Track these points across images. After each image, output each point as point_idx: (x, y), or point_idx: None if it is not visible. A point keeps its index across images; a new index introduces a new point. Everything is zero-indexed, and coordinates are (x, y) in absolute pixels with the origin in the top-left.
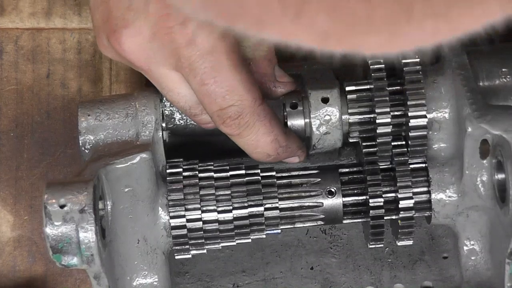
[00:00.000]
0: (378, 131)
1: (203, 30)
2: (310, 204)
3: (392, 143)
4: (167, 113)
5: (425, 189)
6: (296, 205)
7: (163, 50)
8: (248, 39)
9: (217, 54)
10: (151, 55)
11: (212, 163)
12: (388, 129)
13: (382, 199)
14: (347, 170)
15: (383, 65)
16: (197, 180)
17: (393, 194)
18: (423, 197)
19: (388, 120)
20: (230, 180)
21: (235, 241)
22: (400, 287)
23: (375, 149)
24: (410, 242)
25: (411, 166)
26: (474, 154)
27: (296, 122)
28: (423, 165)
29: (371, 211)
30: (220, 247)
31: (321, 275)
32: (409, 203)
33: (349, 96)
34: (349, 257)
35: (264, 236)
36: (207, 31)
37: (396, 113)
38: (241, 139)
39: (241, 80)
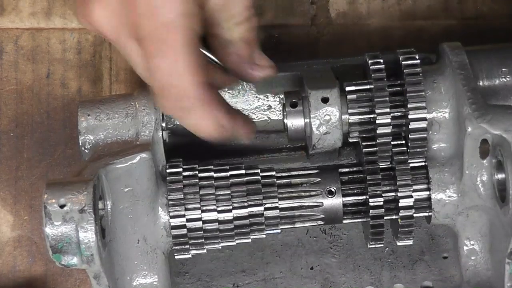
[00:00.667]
0: (378, 131)
1: (168, 3)
2: (310, 204)
3: (392, 143)
4: None
5: (424, 186)
6: (296, 205)
7: (128, 20)
8: (228, 20)
9: (173, 30)
10: (118, 26)
11: (212, 163)
12: (388, 130)
13: (382, 199)
14: (347, 170)
15: (383, 66)
16: (197, 180)
17: (393, 194)
18: (423, 195)
19: (388, 120)
20: (230, 180)
21: (235, 241)
22: (400, 287)
23: (375, 149)
24: (410, 242)
25: (411, 165)
26: (474, 154)
27: (296, 122)
28: (423, 163)
29: (371, 211)
30: (220, 247)
31: (321, 275)
32: (409, 201)
33: (349, 96)
34: (349, 257)
35: (264, 236)
36: (172, 5)
37: (396, 113)
38: (183, 121)
39: (188, 61)
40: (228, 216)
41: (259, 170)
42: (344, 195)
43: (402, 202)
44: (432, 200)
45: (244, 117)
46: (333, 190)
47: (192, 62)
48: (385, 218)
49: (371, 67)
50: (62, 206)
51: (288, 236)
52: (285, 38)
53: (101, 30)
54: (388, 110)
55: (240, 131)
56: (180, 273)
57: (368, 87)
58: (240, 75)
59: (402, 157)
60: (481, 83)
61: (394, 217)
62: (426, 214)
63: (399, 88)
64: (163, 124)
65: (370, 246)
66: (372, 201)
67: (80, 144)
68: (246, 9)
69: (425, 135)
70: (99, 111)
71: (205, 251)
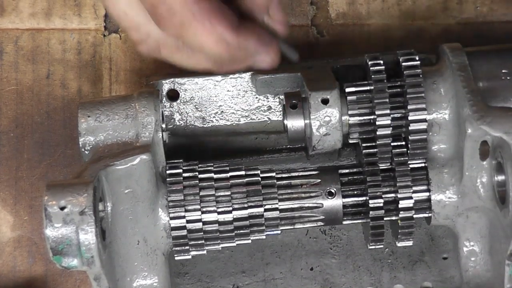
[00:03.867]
0: (378, 132)
1: None
2: (310, 205)
3: (392, 144)
4: (167, 114)
5: (424, 187)
6: (296, 206)
7: None
8: None
9: None
10: None
11: (212, 163)
12: (388, 131)
13: (382, 200)
14: (347, 171)
15: (383, 67)
16: (197, 181)
17: (393, 195)
18: (423, 196)
19: (388, 121)
20: (230, 181)
21: (235, 242)
22: None
23: (375, 150)
24: (410, 243)
25: (411, 166)
26: (474, 156)
27: (296, 123)
28: (423, 164)
29: (371, 212)
30: (220, 248)
31: (321, 276)
32: (409, 203)
33: (349, 98)
34: (349, 258)
35: (264, 237)
36: None
37: (396, 115)
38: (183, 39)
39: None
40: (228, 217)
41: (259, 171)
42: (344, 196)
43: (402, 203)
44: (432, 201)
45: (260, 34)
46: (333, 191)
47: None
48: (385, 219)
49: (371, 68)
50: (62, 208)
51: (288, 236)
52: None
53: None
54: (388, 111)
55: (253, 47)
56: (180, 274)
57: (368, 88)
58: (249, 23)
59: (402, 158)
60: (481, 85)
61: (394, 218)
62: (426, 215)
63: (399, 89)
64: (163, 125)
65: (370, 247)
66: (372, 202)
67: (80, 145)
68: None
69: (425, 136)
70: (99, 112)
71: (205, 252)
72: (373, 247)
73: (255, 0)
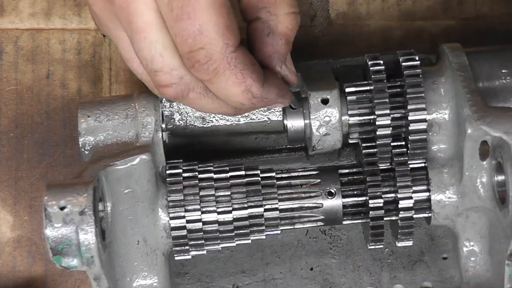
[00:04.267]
0: (378, 132)
1: None
2: (310, 205)
3: (392, 144)
4: (167, 114)
5: (424, 187)
6: (295, 206)
7: None
8: (279, 7)
9: None
10: None
11: (212, 163)
12: (388, 131)
13: (381, 200)
14: (346, 171)
15: (383, 67)
16: (197, 181)
17: (392, 195)
18: (423, 196)
19: (388, 121)
20: (230, 181)
21: (235, 242)
22: None
23: (375, 150)
24: (410, 243)
25: (411, 166)
26: (474, 156)
27: (296, 123)
28: (423, 164)
29: (370, 212)
30: (220, 248)
31: (321, 276)
32: (409, 203)
33: (349, 97)
34: (349, 258)
35: (264, 237)
36: None
37: (396, 115)
38: (212, 86)
39: (216, 22)
40: (228, 217)
41: (259, 171)
42: (344, 196)
43: (402, 203)
44: (432, 201)
45: (280, 86)
46: (333, 191)
47: (222, 23)
48: (385, 219)
49: (371, 68)
50: (62, 208)
51: (288, 236)
52: None
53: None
54: (388, 111)
55: (272, 98)
56: (180, 274)
57: (368, 88)
58: (265, 72)
59: (402, 158)
60: (481, 85)
61: (394, 218)
62: (426, 215)
63: (399, 89)
64: (163, 125)
65: (370, 247)
66: (372, 202)
67: (80, 145)
68: (295, 3)
69: (425, 136)
70: (99, 112)
71: (205, 252)
72: (373, 247)
73: (277, 49)
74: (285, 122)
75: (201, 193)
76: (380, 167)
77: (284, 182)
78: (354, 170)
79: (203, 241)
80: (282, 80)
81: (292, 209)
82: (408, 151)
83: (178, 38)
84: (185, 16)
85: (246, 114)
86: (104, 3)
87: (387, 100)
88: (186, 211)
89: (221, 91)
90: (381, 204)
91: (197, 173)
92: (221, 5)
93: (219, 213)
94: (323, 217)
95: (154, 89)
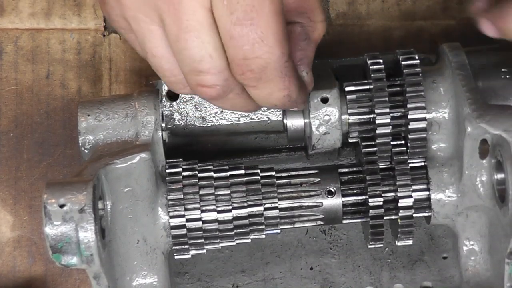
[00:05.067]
0: (377, 131)
1: None
2: (310, 204)
3: (392, 143)
4: (166, 113)
5: (424, 186)
6: (295, 205)
7: None
8: (317, 13)
9: None
10: None
11: (212, 163)
12: (387, 130)
13: (381, 199)
14: (346, 170)
15: (382, 66)
16: (197, 180)
17: (392, 194)
18: (423, 195)
19: (388, 120)
20: (230, 180)
21: (234, 241)
22: (400, 287)
23: (375, 149)
24: (410, 242)
25: (411, 165)
26: (474, 154)
27: (296, 122)
28: (422, 163)
29: (370, 211)
30: (220, 247)
31: (321, 275)
32: (409, 202)
33: (348, 96)
34: (349, 257)
35: (264, 236)
36: None
37: (395, 114)
38: (255, 91)
39: (277, 30)
40: (227, 216)
41: (259, 170)
42: (343, 195)
43: (402, 202)
44: (431, 200)
45: (305, 88)
46: (332, 190)
47: (282, 31)
48: (384, 218)
49: (370, 67)
50: (62, 206)
51: (288, 236)
52: None
53: None
54: (387, 110)
55: (300, 102)
56: (180, 273)
57: (367, 87)
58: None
59: (401, 157)
60: (480, 84)
61: (393, 217)
62: (426, 214)
63: (398, 88)
64: (163, 124)
65: (370, 246)
66: (372, 201)
67: (80, 144)
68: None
69: (425, 135)
70: (99, 111)
71: (204, 251)
72: (372, 246)
73: (307, 54)
74: (285, 121)
75: (200, 192)
76: (380, 166)
77: (284, 181)
78: (354, 169)
79: (203, 240)
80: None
81: (292, 208)
82: (408, 150)
83: (232, 42)
84: (248, 21)
85: (246, 114)
86: None
87: (386, 99)
88: (185, 210)
89: (264, 95)
90: (381, 203)
91: (197, 172)
92: (281, 12)
93: (219, 212)
94: (323, 216)
95: (176, 85)
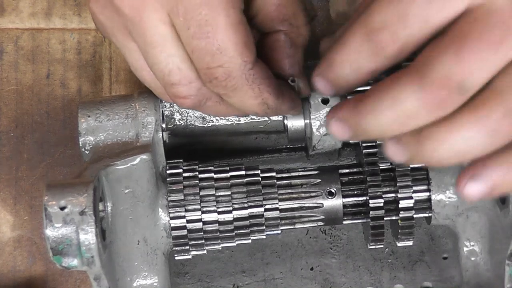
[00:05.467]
0: None
1: None
2: (310, 204)
3: None
4: (167, 114)
5: (425, 187)
6: (296, 206)
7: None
8: (299, 20)
9: (216, 8)
10: (144, 2)
11: (212, 163)
12: None
13: (382, 200)
14: (347, 170)
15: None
16: (197, 181)
17: (393, 195)
18: (423, 196)
19: None
20: (230, 181)
21: (235, 241)
22: None
23: (375, 150)
24: (410, 243)
25: (411, 166)
26: None
27: (296, 122)
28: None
29: (371, 212)
30: (220, 248)
31: (321, 276)
32: (409, 203)
33: (349, 97)
34: (349, 258)
35: (264, 237)
36: None
37: None
38: (228, 99)
39: (234, 40)
40: (228, 217)
41: (259, 171)
42: (344, 196)
43: (402, 203)
44: (432, 201)
45: (291, 94)
46: (333, 191)
47: (240, 41)
48: (385, 219)
49: None
50: (62, 208)
51: (288, 236)
52: None
53: (124, 3)
54: None
55: (285, 109)
56: (180, 274)
57: (368, 87)
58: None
59: None
60: None
61: (394, 218)
62: (426, 215)
63: None
64: (163, 125)
65: (370, 247)
66: (372, 202)
67: (80, 145)
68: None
69: None
70: (99, 112)
71: (205, 251)
72: (373, 247)
73: (298, 61)
74: (286, 122)
75: (201, 193)
76: (381, 167)
77: (284, 182)
78: (355, 170)
79: (203, 241)
80: (296, 91)
81: (292, 209)
82: None
83: (195, 54)
84: (203, 35)
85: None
86: (111, 13)
87: None
88: (186, 211)
89: (238, 103)
90: (382, 204)
91: (197, 173)
92: (239, 22)
93: (219, 213)
94: (323, 217)
95: (163, 96)
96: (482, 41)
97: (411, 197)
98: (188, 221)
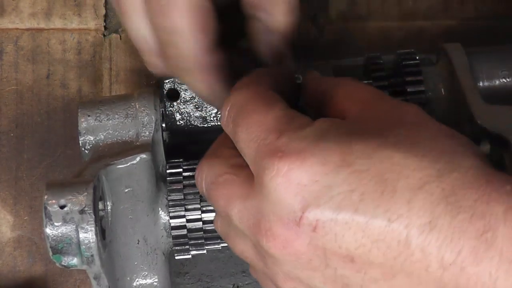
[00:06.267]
0: None
1: None
2: None
3: None
4: (167, 113)
5: None
6: None
7: None
8: (276, 4)
9: None
10: None
11: None
12: None
13: None
14: None
15: (382, 66)
16: None
17: None
18: None
19: None
20: None
21: None
22: None
23: None
24: None
25: None
26: None
27: None
28: None
29: None
30: (220, 248)
31: None
32: None
33: None
34: None
35: None
36: None
37: None
38: (181, 79)
39: (190, 23)
40: None
41: None
42: None
43: None
44: None
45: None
46: None
47: (196, 25)
48: None
49: (371, 67)
50: (62, 207)
51: None
52: None
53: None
54: None
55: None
56: (180, 274)
57: None
58: None
59: None
60: (481, 84)
61: None
62: None
63: (399, 88)
64: (163, 125)
65: None
66: None
67: (80, 144)
68: (292, 1)
69: None
70: (99, 111)
71: (205, 251)
72: None
73: (276, 47)
74: None
75: None
76: None
77: None
78: None
79: (203, 241)
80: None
81: None
82: None
83: (155, 31)
84: (162, 12)
85: None
86: None
87: None
88: (186, 210)
89: (189, 83)
90: None
91: None
92: (198, 6)
93: None
94: None
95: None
96: None
97: None
98: (188, 221)
